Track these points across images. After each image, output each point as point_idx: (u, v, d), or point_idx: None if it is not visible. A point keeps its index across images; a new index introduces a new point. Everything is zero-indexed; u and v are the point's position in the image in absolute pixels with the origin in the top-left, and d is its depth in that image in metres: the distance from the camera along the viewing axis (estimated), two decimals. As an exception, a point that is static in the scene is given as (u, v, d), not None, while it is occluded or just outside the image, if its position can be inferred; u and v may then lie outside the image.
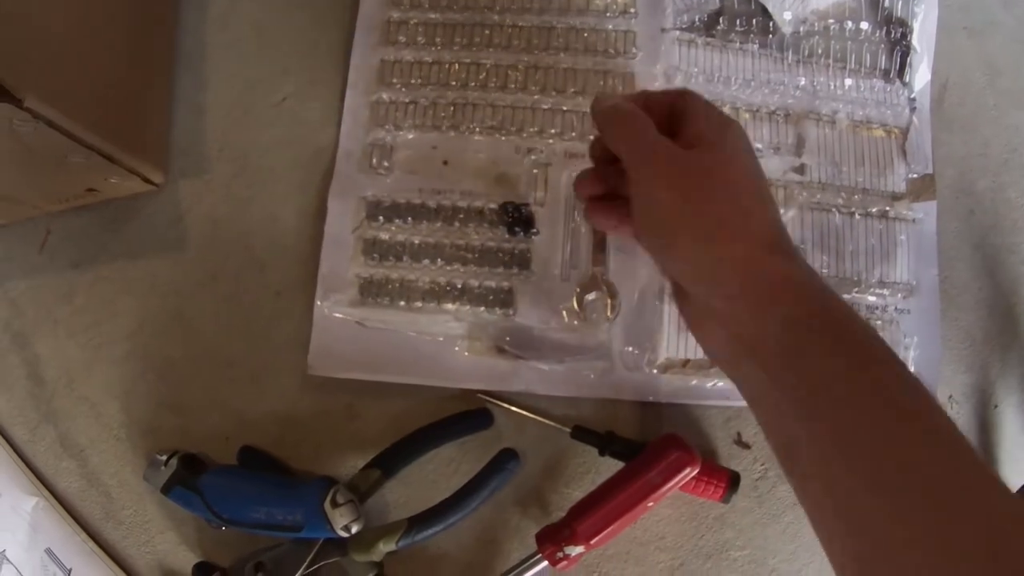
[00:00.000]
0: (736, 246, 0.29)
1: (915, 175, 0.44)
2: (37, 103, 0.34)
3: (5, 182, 0.41)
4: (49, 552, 0.42)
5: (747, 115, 0.43)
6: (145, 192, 0.44)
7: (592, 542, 0.36)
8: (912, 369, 0.42)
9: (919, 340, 0.42)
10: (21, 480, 0.44)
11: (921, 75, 0.45)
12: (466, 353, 0.39)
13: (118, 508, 0.42)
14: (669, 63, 0.43)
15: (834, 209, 0.43)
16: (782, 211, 0.42)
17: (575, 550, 0.36)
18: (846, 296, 0.42)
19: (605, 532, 0.36)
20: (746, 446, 0.41)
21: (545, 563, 0.37)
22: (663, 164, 0.30)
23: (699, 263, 0.29)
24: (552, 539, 0.37)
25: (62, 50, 0.37)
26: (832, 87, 0.44)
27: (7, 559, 0.43)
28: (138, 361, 0.43)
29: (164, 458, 0.41)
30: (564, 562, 0.37)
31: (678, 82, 0.43)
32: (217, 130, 0.44)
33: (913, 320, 0.42)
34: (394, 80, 0.42)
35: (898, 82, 0.45)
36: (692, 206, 0.29)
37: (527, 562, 0.37)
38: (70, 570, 0.42)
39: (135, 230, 0.44)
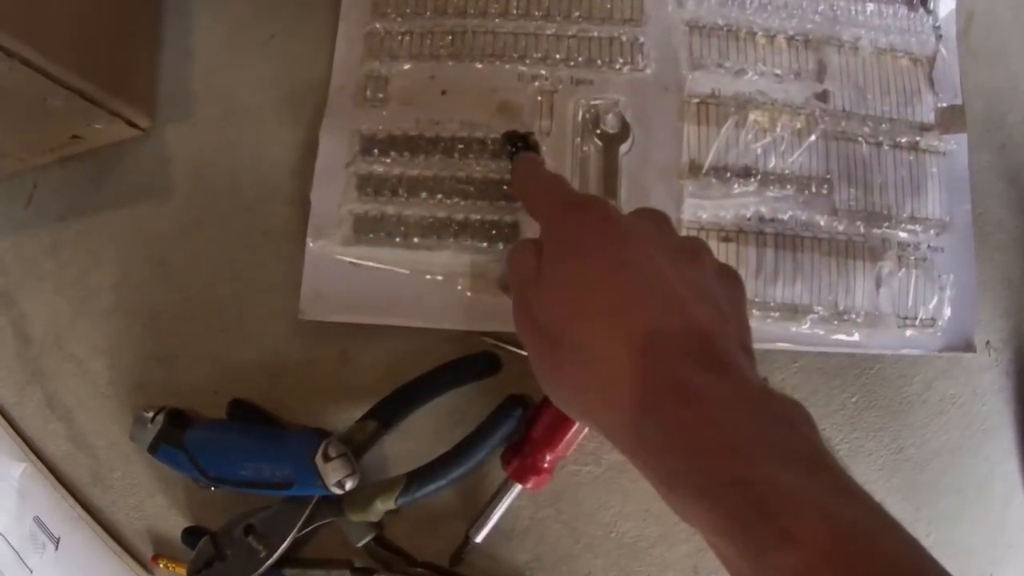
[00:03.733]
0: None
1: (944, 104, 0.36)
2: (10, 40, 0.28)
3: (-15, 131, 0.33)
4: (38, 520, 0.35)
5: (763, 40, 0.35)
6: (131, 139, 0.37)
7: (554, 449, 0.30)
8: (947, 311, 0.33)
9: (955, 279, 0.34)
10: (9, 445, 0.37)
11: (945, 2, 0.37)
12: (468, 292, 0.32)
13: (106, 471, 0.35)
14: None
15: (860, 139, 0.35)
16: (803, 138, 0.34)
17: (542, 460, 0.30)
18: (876, 231, 0.33)
19: (561, 433, 0.30)
20: None
21: (518, 487, 0.30)
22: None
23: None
24: (516, 455, 0.30)
25: None
26: (853, 12, 0.36)
27: (-5, 529, 0.36)
28: (124, 314, 0.35)
29: (150, 415, 0.34)
30: (534, 477, 0.30)
31: (690, 6, 0.35)
32: (204, 72, 0.36)
33: (947, 259, 0.34)
34: (388, 10, 0.35)
35: (922, 9, 0.37)
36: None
37: (498, 492, 0.31)
38: (59, 539, 0.35)
39: (121, 178, 0.36)
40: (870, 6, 0.37)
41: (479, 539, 0.31)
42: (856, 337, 0.34)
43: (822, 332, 0.34)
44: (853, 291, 0.34)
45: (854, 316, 0.34)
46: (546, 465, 0.30)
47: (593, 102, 0.34)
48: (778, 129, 0.34)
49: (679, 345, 0.20)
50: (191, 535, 0.33)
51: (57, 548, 0.36)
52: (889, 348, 0.34)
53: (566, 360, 0.22)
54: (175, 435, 0.33)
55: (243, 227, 0.35)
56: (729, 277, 0.25)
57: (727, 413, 0.19)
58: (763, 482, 0.17)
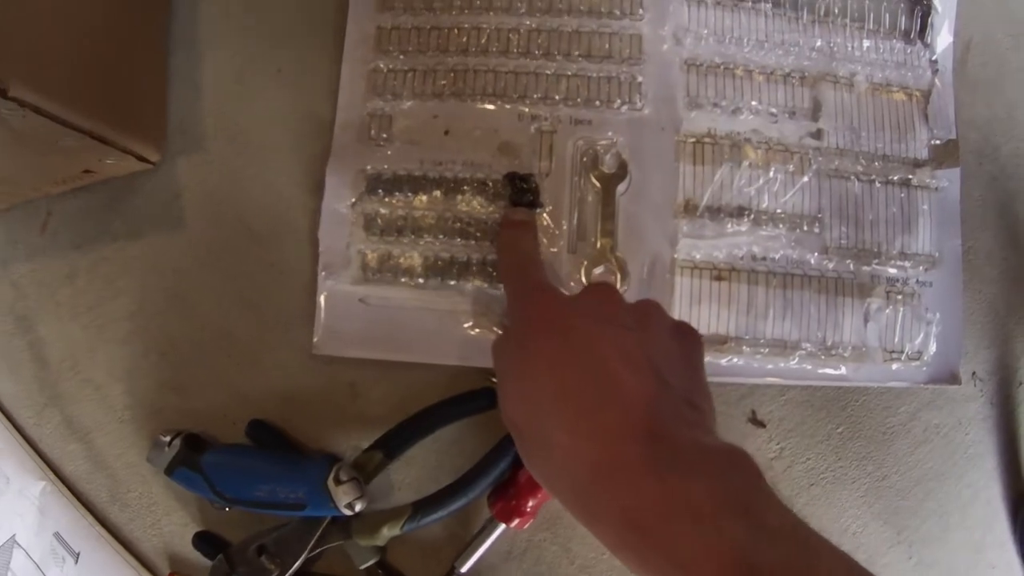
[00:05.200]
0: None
1: (938, 141, 0.37)
2: (23, 91, 0.29)
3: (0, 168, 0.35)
4: (57, 536, 0.38)
5: (761, 78, 0.36)
6: (143, 170, 0.38)
7: (537, 495, 0.32)
8: (933, 346, 0.35)
9: (941, 315, 0.36)
10: (29, 464, 0.39)
11: (943, 36, 0.38)
12: (471, 330, 0.34)
13: (124, 490, 0.37)
14: (678, 24, 0.36)
15: (853, 177, 0.36)
16: (797, 179, 0.35)
17: (525, 504, 0.32)
18: (865, 268, 0.35)
19: None
20: (761, 424, 0.35)
21: (502, 525, 0.32)
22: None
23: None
24: (501, 497, 0.32)
25: (46, 33, 0.32)
26: (850, 48, 0.38)
27: (17, 544, 0.39)
28: (140, 342, 0.37)
29: (168, 439, 0.36)
30: (519, 518, 0.32)
31: (688, 44, 0.36)
32: (213, 105, 0.38)
33: (935, 293, 0.36)
34: (391, 47, 0.36)
35: (919, 43, 0.38)
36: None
37: (484, 528, 0.33)
38: (79, 554, 0.38)
39: (134, 209, 0.38)
40: (867, 42, 0.38)
41: (464, 569, 0.33)
42: (843, 371, 0.36)
43: (810, 366, 0.36)
44: (841, 327, 0.36)
45: (841, 351, 0.36)
46: (529, 509, 0.32)
47: (591, 143, 0.35)
48: (772, 171, 0.35)
49: (615, 424, 0.22)
50: (202, 540, 0.36)
51: (77, 562, 0.39)
52: (875, 381, 0.36)
53: (532, 451, 0.25)
54: (192, 458, 0.35)
55: (256, 261, 0.37)
56: (683, 334, 0.27)
57: (652, 482, 0.21)
58: (683, 542, 0.19)
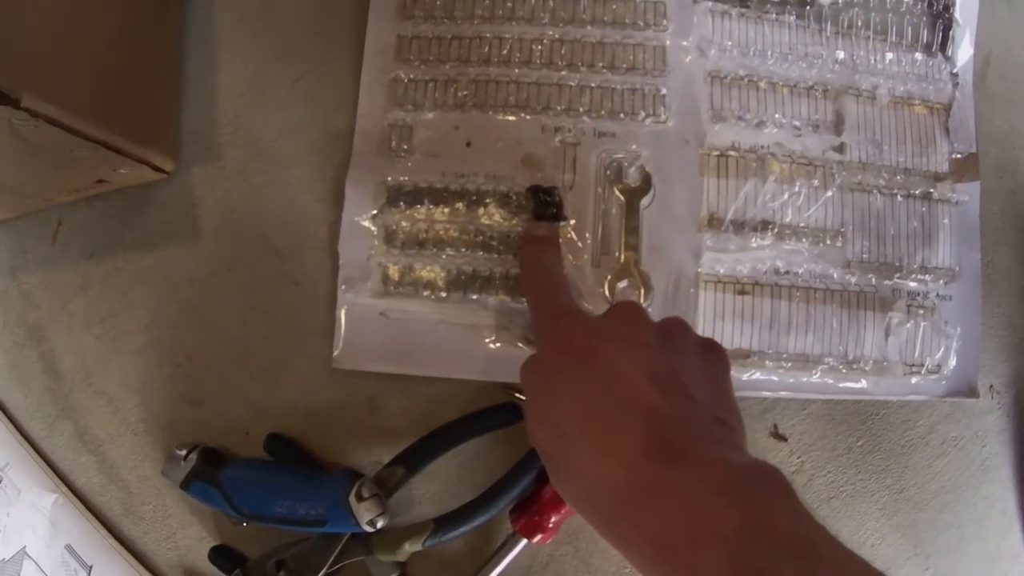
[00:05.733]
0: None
1: (959, 155, 0.37)
2: (35, 101, 0.29)
3: (12, 178, 0.35)
4: (69, 548, 0.38)
5: (785, 90, 0.36)
6: (158, 180, 0.38)
7: (560, 511, 0.32)
8: (952, 360, 0.36)
9: (961, 328, 0.36)
10: (40, 477, 0.39)
11: (963, 49, 0.39)
12: (493, 344, 0.34)
13: (138, 503, 0.37)
14: (702, 35, 0.36)
15: (875, 190, 0.36)
16: (820, 193, 0.36)
17: (548, 519, 0.32)
18: (886, 282, 0.35)
19: None
20: (783, 438, 0.35)
21: (524, 540, 0.32)
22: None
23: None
24: (524, 512, 0.32)
25: (59, 43, 0.31)
26: (872, 61, 0.38)
27: (28, 556, 0.38)
28: (154, 353, 0.37)
29: (183, 453, 0.36)
30: (541, 534, 0.32)
31: (712, 56, 0.36)
32: (229, 114, 0.38)
33: (955, 307, 0.36)
34: (411, 57, 0.36)
35: (940, 56, 0.38)
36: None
37: (505, 543, 0.33)
38: (91, 567, 0.37)
39: (148, 219, 0.38)
40: (889, 54, 0.38)
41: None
42: (863, 384, 0.36)
43: (831, 380, 0.36)
44: (862, 341, 0.36)
45: (862, 365, 0.36)
46: (551, 525, 0.32)
47: (615, 155, 0.35)
48: (797, 186, 0.35)
49: (641, 446, 0.22)
50: (219, 555, 0.36)
51: (89, 575, 0.38)
52: (895, 395, 0.36)
53: (560, 473, 0.25)
54: (209, 472, 0.35)
55: (274, 273, 0.37)
56: (710, 351, 0.27)
57: (680, 504, 0.20)
58: (713, 566, 0.19)
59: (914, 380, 0.36)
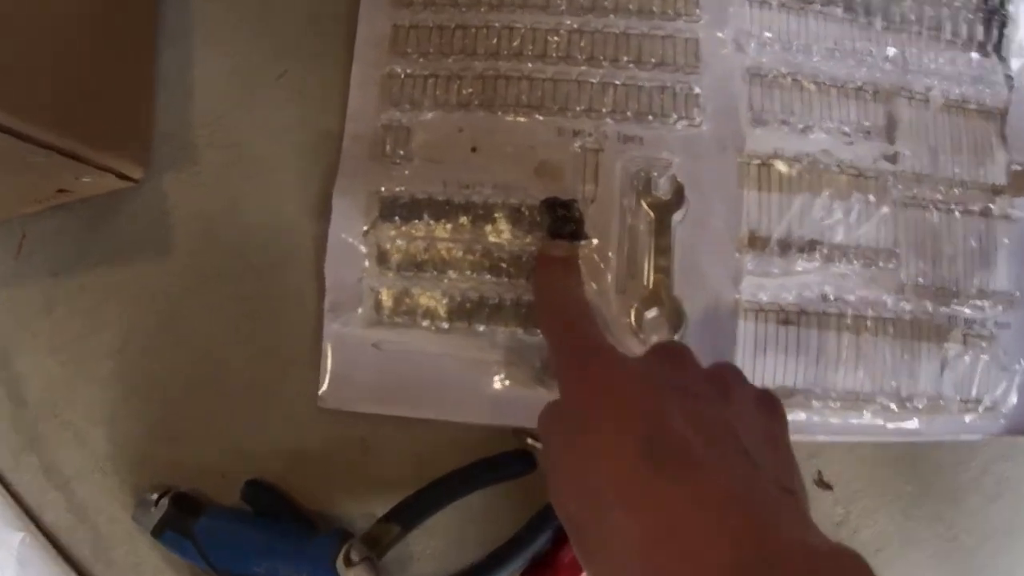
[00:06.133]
0: None
1: (1018, 166, 0.26)
2: None
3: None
4: (38, 592, 0.27)
5: (833, 91, 0.25)
6: (127, 188, 0.26)
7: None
8: (1013, 397, 0.25)
9: (1022, 360, 0.25)
10: (6, 513, 0.28)
11: (1018, 49, 0.27)
12: (502, 384, 0.23)
13: (108, 547, 0.27)
14: (739, 27, 0.25)
15: (931, 205, 0.25)
16: (875, 210, 0.25)
17: None
18: (943, 309, 0.25)
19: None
20: (827, 487, 0.25)
21: None
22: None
23: None
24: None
25: (6, 41, 0.21)
26: (925, 60, 0.26)
27: (-9, 600, 0.28)
28: (124, 382, 0.26)
29: (155, 497, 0.25)
30: None
31: (751, 51, 0.25)
32: (205, 114, 0.27)
33: (1013, 336, 0.26)
34: (409, 49, 0.25)
35: (994, 56, 0.27)
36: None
37: None
38: (60, 613, 0.27)
39: (117, 231, 0.27)
40: (943, 53, 0.27)
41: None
42: (915, 424, 0.26)
43: (881, 421, 0.25)
44: (916, 376, 0.25)
45: (916, 403, 0.25)
46: None
47: (643, 163, 0.24)
48: (851, 201, 0.24)
49: (699, 527, 0.14)
50: None
51: (63, 617, 0.28)
52: (948, 434, 0.26)
53: (591, 551, 0.16)
54: (182, 521, 0.25)
55: (254, 295, 0.26)
56: (768, 406, 0.19)
57: None
58: None
59: (968, 418, 0.26)
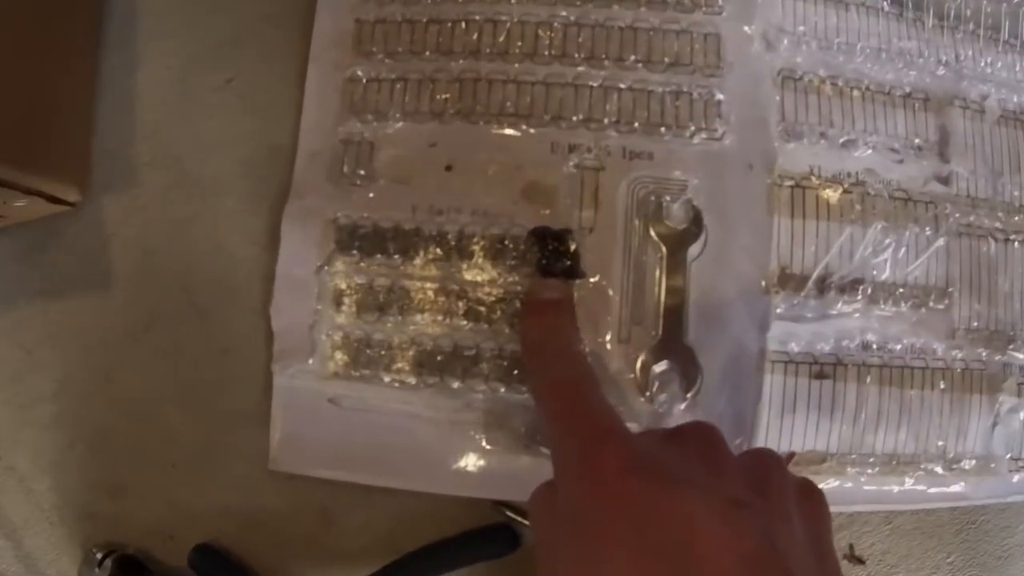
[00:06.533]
0: None
1: None
2: None
3: None
4: (-13, 648, 0.19)
5: (882, 98, 0.16)
6: (64, 212, 0.18)
7: None
8: None
9: None
10: (-45, 559, 0.20)
11: None
12: (480, 451, 0.15)
13: (58, 601, 0.19)
14: (768, 21, 0.16)
15: (988, 235, 0.17)
16: (930, 242, 0.16)
17: None
18: (997, 356, 0.16)
19: None
20: (859, 561, 0.17)
21: None
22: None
23: None
24: None
25: None
26: (982, 64, 0.17)
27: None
28: (66, 429, 0.19)
29: (99, 556, 0.18)
30: None
31: (783, 50, 0.16)
32: (148, 125, 0.18)
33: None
34: (374, 49, 0.16)
35: None
36: None
37: None
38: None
39: (54, 261, 0.19)
40: (1002, 57, 0.18)
41: None
42: (960, 488, 0.18)
43: (923, 487, 0.17)
44: (965, 434, 0.17)
45: (963, 464, 0.17)
46: None
47: (653, 186, 0.16)
48: (906, 231, 0.16)
49: None
50: None
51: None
52: (996, 497, 0.18)
53: None
54: (125, 586, 0.17)
55: (198, 339, 0.18)
56: (810, 502, 0.13)
57: None
58: None
59: (1017, 478, 0.18)
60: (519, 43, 0.18)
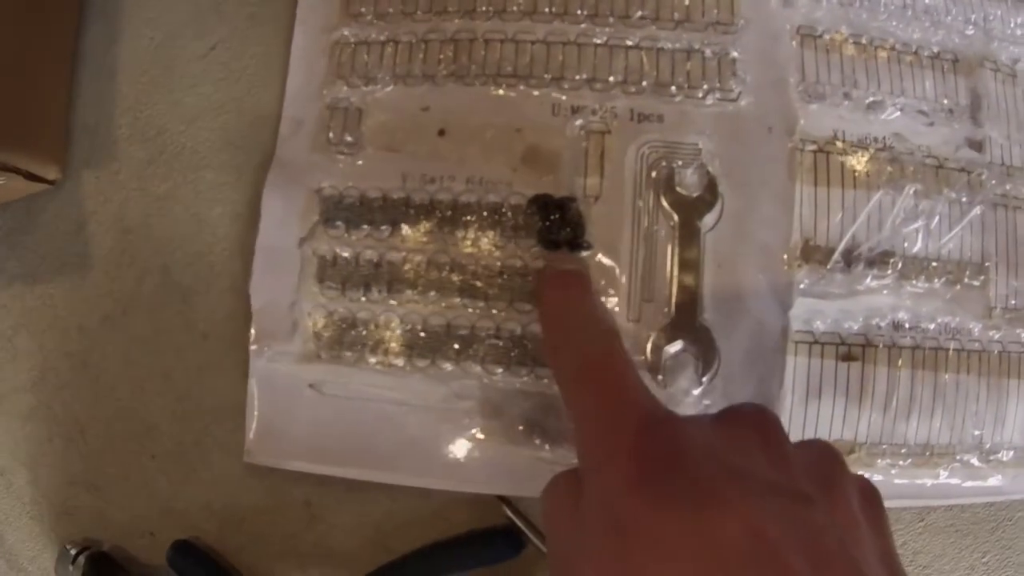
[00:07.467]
0: None
1: None
2: None
3: None
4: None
5: (909, 57, 0.13)
6: (43, 191, 0.16)
7: None
8: None
9: None
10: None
11: None
12: (475, 441, 0.12)
13: (40, 598, 0.16)
14: None
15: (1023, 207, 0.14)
16: (966, 209, 0.14)
17: None
18: None
19: None
20: None
21: None
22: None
23: None
24: None
25: None
26: (1013, 25, 0.15)
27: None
28: (44, 421, 0.16)
29: (74, 553, 0.15)
30: None
31: (802, 5, 0.13)
32: (129, 98, 0.16)
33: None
34: (363, 9, 0.13)
35: None
36: None
37: None
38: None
39: (32, 243, 0.17)
40: None
41: None
42: (997, 481, 0.15)
43: (957, 480, 0.14)
44: (1003, 422, 0.14)
45: (1000, 455, 0.14)
46: None
47: (664, 150, 0.13)
48: (940, 200, 0.13)
49: None
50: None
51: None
52: None
53: None
54: (100, 586, 0.14)
55: (178, 322, 0.16)
56: (871, 503, 0.10)
57: None
58: None
59: None
60: (518, 0, 0.15)
